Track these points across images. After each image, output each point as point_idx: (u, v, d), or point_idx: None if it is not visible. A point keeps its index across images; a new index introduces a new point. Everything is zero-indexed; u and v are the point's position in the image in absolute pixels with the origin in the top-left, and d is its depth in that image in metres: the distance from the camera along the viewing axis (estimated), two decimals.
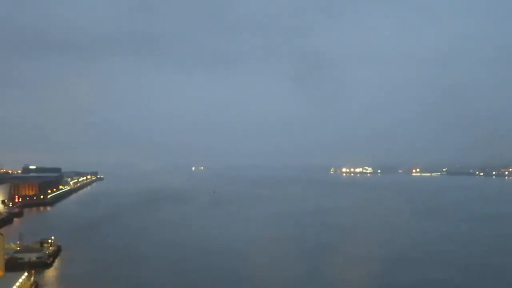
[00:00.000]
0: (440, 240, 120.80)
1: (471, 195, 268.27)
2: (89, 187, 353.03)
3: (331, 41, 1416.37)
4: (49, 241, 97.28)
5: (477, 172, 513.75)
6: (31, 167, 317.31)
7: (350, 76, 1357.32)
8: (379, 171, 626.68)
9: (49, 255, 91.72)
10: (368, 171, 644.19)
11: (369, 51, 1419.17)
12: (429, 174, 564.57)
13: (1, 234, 78.92)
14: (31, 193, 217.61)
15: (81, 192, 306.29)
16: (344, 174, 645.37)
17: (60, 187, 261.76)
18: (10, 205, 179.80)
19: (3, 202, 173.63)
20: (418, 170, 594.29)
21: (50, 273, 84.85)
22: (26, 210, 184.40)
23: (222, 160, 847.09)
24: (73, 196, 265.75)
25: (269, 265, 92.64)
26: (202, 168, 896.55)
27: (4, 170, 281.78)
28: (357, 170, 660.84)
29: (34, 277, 73.63)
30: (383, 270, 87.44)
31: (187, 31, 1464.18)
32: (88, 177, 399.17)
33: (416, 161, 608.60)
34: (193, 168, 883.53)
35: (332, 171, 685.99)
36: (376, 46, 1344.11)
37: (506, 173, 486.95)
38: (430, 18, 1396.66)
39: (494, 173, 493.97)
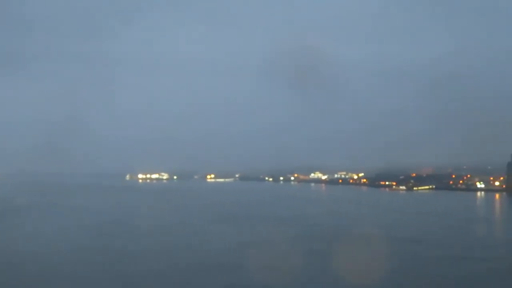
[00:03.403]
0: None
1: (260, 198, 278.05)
2: None
3: (122, 45, 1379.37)
4: None
5: (266, 178, 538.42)
6: None
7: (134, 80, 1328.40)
8: (175, 177, 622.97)
9: None
10: (164, 177, 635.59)
11: (155, 56, 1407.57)
12: (223, 179, 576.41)
13: None
14: None
15: None
16: (140, 181, 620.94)
17: None
18: None
19: None
20: (213, 176, 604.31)
21: None
22: None
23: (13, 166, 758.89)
24: None
25: None
26: None
27: None
28: (154, 176, 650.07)
29: None
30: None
31: None
32: None
33: (211, 167, 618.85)
34: None
35: (128, 177, 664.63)
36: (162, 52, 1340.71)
37: (292, 178, 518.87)
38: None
39: (281, 178, 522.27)
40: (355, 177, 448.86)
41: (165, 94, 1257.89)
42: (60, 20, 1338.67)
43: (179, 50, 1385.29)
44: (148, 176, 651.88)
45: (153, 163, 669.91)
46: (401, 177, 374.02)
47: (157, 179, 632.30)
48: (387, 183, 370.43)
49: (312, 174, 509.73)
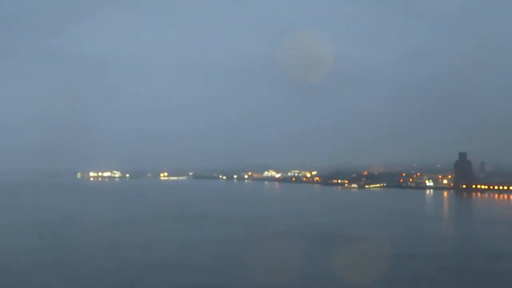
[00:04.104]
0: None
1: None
2: None
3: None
4: None
5: (220, 176, 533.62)
6: None
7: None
8: (127, 175, 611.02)
9: None
10: (116, 175, 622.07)
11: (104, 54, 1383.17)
12: (176, 177, 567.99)
13: None
14: None
15: None
16: (92, 179, 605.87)
17: None
18: None
19: None
20: (166, 174, 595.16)
21: None
22: None
23: None
24: None
25: None
26: None
27: None
28: (106, 174, 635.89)
29: None
30: None
31: None
32: None
33: (165, 165, 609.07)
34: None
35: (79, 175, 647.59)
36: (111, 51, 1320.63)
37: (246, 176, 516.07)
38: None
39: (235, 176, 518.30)
40: (308, 175, 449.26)
41: (117, 93, 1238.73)
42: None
43: (127, 49, 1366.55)
44: (100, 174, 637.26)
45: (105, 161, 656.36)
46: (353, 176, 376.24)
47: (109, 177, 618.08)
48: (339, 181, 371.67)
49: (266, 173, 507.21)
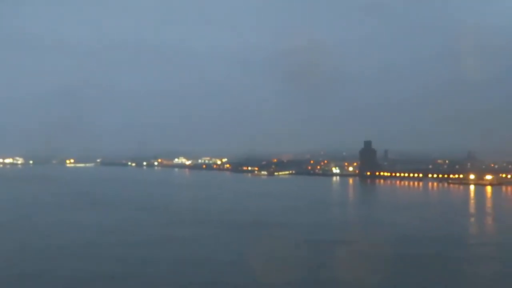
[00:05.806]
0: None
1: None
2: None
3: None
4: None
5: (129, 163, 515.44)
6: None
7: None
8: (31, 161, 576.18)
9: None
10: (19, 162, 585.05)
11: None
12: (83, 164, 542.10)
13: None
14: None
15: None
16: None
17: None
18: None
19: None
20: (72, 161, 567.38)
21: None
22: None
23: None
24: None
25: None
26: None
27: None
28: (7, 161, 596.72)
29: None
30: None
31: None
32: None
33: (71, 151, 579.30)
34: None
35: None
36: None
37: (155, 163, 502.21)
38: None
39: (145, 163, 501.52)
40: (219, 162, 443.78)
41: (19, 76, 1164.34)
42: None
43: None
44: (1, 161, 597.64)
45: (7, 146, 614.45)
46: (263, 163, 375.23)
47: (10, 164, 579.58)
48: (249, 168, 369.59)
49: (176, 159, 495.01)
